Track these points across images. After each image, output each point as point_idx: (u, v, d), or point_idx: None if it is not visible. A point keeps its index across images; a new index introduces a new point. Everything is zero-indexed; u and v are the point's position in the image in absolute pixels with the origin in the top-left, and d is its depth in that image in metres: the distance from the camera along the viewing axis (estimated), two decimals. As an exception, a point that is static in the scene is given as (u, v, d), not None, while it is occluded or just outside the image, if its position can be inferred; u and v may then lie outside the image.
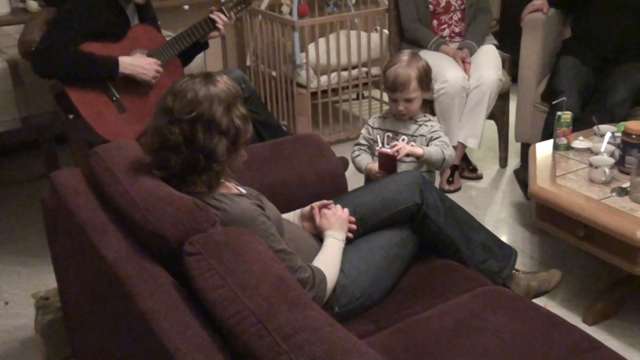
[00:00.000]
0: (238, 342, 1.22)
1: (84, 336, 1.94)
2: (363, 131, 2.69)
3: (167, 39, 2.95)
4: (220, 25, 2.96)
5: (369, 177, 2.54)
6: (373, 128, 2.65)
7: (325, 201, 2.11)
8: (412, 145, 2.50)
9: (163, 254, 1.51)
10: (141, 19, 2.96)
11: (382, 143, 2.60)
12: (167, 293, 1.38)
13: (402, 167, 2.48)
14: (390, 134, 2.60)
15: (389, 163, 2.39)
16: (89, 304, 1.79)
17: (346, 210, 2.08)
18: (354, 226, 2.07)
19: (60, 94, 2.75)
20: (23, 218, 3.33)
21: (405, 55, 2.56)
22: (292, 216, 2.16)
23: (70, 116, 2.78)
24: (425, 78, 2.53)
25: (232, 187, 1.88)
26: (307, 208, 2.13)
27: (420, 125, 2.57)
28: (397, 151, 2.39)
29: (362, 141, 2.67)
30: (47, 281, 2.68)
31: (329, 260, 1.92)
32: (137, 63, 2.76)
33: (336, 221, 2.03)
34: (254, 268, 1.32)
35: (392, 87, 2.52)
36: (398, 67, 2.51)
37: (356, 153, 2.64)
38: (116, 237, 1.58)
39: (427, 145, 2.52)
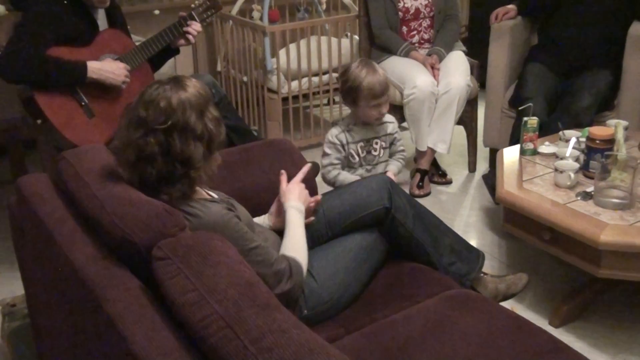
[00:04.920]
0: (206, 346, 1.23)
1: (52, 343, 1.93)
2: (330, 152, 2.65)
3: (137, 43, 2.93)
4: (191, 37, 2.96)
5: None
6: (343, 145, 2.65)
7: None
8: (383, 147, 2.68)
9: (132, 258, 1.50)
10: (110, 24, 2.94)
11: (358, 155, 2.66)
12: (135, 298, 1.37)
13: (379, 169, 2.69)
14: (363, 143, 2.64)
15: None
16: (57, 310, 1.77)
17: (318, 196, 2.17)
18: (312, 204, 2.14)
19: (28, 99, 2.71)
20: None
21: (364, 64, 2.61)
22: (263, 220, 2.16)
23: (38, 121, 2.75)
24: None
25: (203, 192, 1.88)
26: (274, 206, 2.17)
27: (383, 124, 2.68)
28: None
29: (336, 161, 2.65)
30: (13, 288, 2.64)
31: (295, 241, 1.95)
32: (106, 68, 2.74)
33: (300, 192, 2.09)
34: (223, 272, 1.32)
35: (378, 93, 2.56)
36: (373, 76, 2.56)
37: (335, 172, 2.63)
38: (84, 242, 1.57)
39: (392, 143, 2.72)
